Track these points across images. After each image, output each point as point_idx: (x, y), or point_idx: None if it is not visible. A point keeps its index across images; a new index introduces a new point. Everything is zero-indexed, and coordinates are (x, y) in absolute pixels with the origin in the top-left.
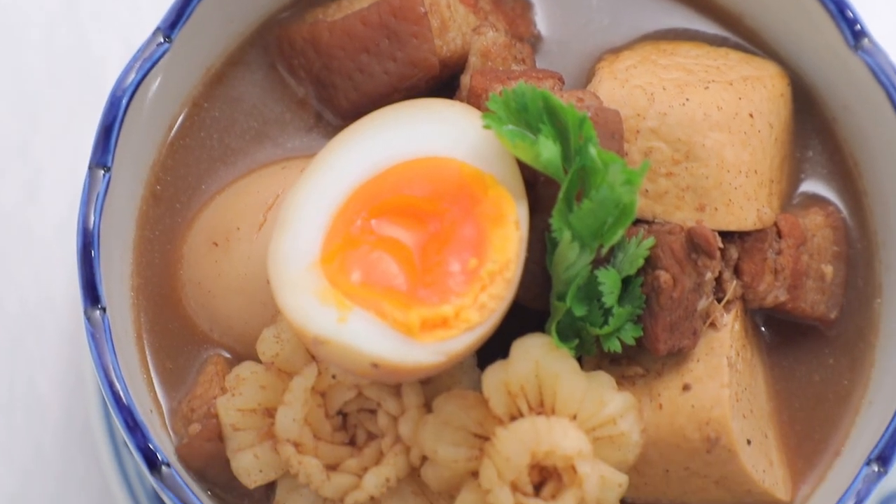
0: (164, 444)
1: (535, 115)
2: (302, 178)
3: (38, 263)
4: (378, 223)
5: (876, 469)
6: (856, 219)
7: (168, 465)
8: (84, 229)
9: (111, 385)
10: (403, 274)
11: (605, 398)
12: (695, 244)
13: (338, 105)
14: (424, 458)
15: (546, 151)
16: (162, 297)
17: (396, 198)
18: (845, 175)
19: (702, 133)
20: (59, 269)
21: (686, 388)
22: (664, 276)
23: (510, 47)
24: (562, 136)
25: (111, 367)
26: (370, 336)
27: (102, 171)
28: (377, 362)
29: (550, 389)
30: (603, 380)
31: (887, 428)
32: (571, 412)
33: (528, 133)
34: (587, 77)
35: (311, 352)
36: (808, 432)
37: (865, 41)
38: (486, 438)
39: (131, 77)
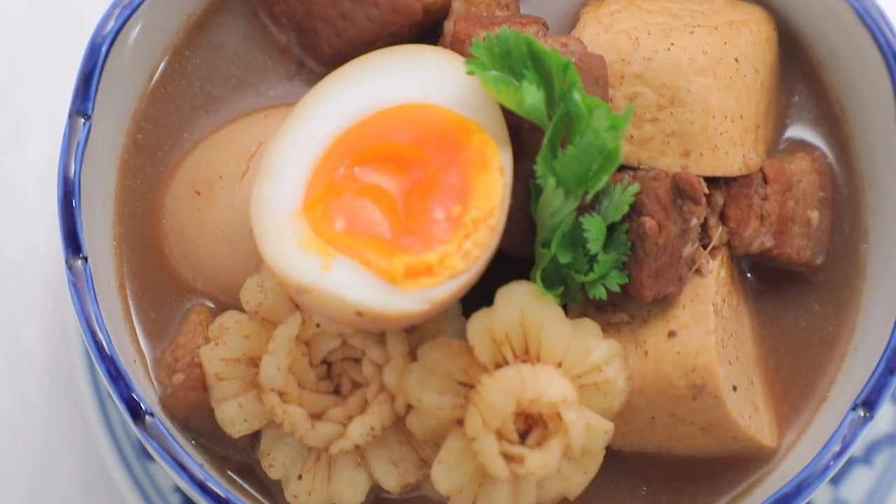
0: (147, 394)
1: (518, 61)
2: (284, 126)
3: (22, 215)
4: (361, 171)
5: (862, 414)
6: (842, 164)
7: (152, 414)
8: (65, 178)
9: (93, 335)
10: (387, 222)
11: (591, 345)
12: (680, 190)
13: (320, 52)
14: (409, 407)
15: (530, 97)
16: (144, 247)
17: (380, 145)
18: (831, 120)
19: (687, 78)
20: (43, 221)
21: (671, 334)
22: (649, 223)
23: None
24: (546, 81)
25: (93, 316)
26: (354, 284)
27: (83, 119)
28: (361, 310)
29: (535, 337)
30: (588, 327)
31: (873, 373)
32: (557, 360)
33: (511, 79)
34: (571, 22)
35: (294, 301)
36: (794, 378)
37: None
38: (472, 386)
39: (111, 24)
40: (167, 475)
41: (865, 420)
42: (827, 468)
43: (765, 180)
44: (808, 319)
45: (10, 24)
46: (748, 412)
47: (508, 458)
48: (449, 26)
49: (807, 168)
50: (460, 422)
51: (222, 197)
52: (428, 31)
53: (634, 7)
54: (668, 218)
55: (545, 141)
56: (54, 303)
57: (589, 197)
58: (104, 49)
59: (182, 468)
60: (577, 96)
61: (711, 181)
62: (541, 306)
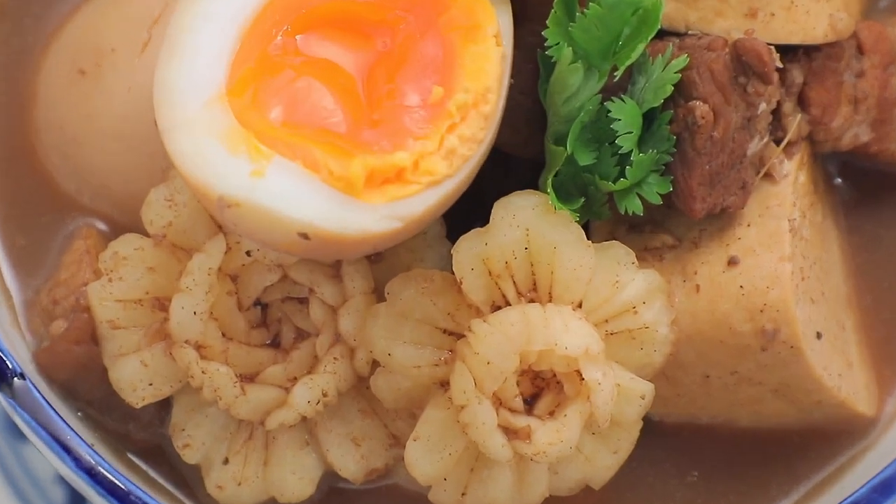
0: (16, 349)
1: None
2: None
3: None
4: (305, 40)
5: None
6: None
7: (22, 376)
8: None
9: None
10: (342, 109)
11: (622, 278)
12: (743, 64)
13: None
14: (375, 364)
15: None
16: (11, 148)
17: (330, 4)
18: None
19: None
20: None
21: (732, 262)
22: (702, 109)
23: None
24: None
25: None
26: (297, 195)
27: None
28: (307, 231)
29: (546, 267)
30: (618, 253)
31: None
32: (575, 298)
33: None
34: None
35: (216, 219)
36: None
37: None
38: (460, 335)
39: None
40: (45, 460)
41: None
42: None
43: (860, 50)
44: None
45: None
46: (837, 368)
47: (510, 432)
48: None
49: None
50: (444, 384)
51: (116, 78)
52: None
53: None
54: (728, 102)
55: None
56: None
57: (618, 74)
58: None
59: (65, 449)
60: None
61: (787, 51)
62: (553, 225)
